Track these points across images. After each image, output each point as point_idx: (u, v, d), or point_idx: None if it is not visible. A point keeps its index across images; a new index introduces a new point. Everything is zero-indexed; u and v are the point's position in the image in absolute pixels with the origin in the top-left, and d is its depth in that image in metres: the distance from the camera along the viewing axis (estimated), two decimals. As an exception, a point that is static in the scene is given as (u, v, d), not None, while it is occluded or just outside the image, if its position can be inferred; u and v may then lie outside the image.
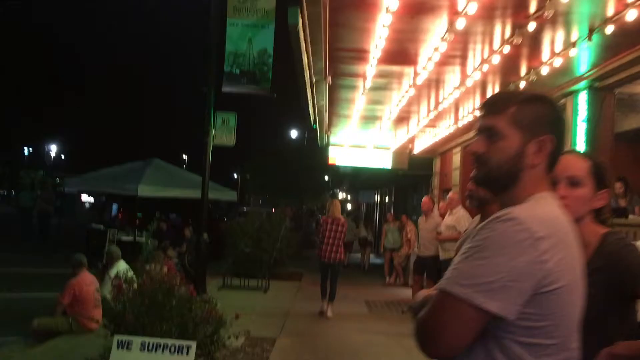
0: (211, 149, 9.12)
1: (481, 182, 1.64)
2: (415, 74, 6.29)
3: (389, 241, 14.40)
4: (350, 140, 12.86)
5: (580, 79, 5.91)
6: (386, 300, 11.19)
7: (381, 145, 13.12)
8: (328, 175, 39.11)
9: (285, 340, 7.16)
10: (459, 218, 8.96)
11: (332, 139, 12.91)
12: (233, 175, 49.60)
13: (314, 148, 33.85)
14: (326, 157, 13.40)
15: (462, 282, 1.38)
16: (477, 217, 3.06)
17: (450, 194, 9.22)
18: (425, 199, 9.81)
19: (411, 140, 12.68)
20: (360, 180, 22.03)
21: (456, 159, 11.72)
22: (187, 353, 4.68)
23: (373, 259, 22.37)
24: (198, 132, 9.32)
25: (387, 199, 24.97)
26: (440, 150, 13.23)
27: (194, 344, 4.74)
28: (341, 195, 42.48)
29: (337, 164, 13.42)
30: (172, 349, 4.67)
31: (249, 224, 13.73)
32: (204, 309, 5.45)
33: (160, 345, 4.60)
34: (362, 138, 12.71)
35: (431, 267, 9.44)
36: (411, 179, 16.73)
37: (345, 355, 6.65)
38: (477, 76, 6.07)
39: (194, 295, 5.54)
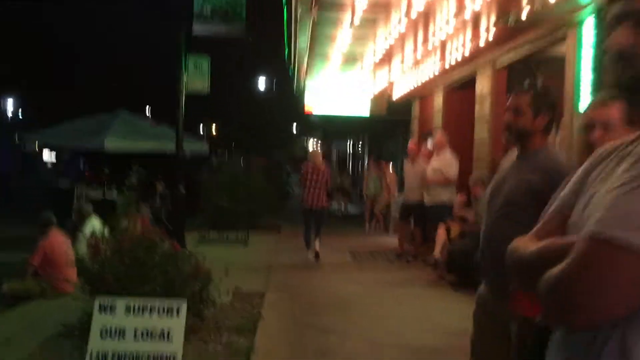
0: (184, 96, 8.53)
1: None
2: (409, 4, 5.81)
3: (370, 189, 14.09)
4: (328, 86, 12.35)
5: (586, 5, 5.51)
6: (370, 249, 10.95)
7: (360, 92, 12.65)
8: (300, 124, 38.56)
9: (273, 295, 6.84)
10: (445, 161, 8.66)
11: (309, 85, 12.37)
12: (198, 129, 48.63)
13: (285, 97, 33.15)
14: (301, 105, 12.88)
15: (628, 225, 0.98)
16: (513, 152, 2.69)
17: (437, 135, 8.87)
18: (411, 142, 9.47)
19: (390, 86, 12.23)
20: (334, 128, 21.58)
21: (438, 101, 11.34)
22: (178, 314, 4.28)
23: (351, 207, 22.20)
24: (165, 80, 8.72)
25: (360, 147, 24.65)
26: (420, 94, 12.80)
27: (184, 304, 4.33)
28: (312, 144, 42.04)
29: (314, 112, 12.93)
30: (161, 310, 4.26)
31: (225, 177, 13.26)
32: (190, 264, 5.04)
33: (147, 307, 4.18)
34: (340, 84, 12.21)
35: (418, 213, 9.18)
36: (387, 124, 16.36)
37: (336, 308, 6.36)
38: (475, 5, 5.62)
39: (179, 250, 5.12)
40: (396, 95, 12.57)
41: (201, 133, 49.96)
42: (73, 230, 8.11)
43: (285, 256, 10.08)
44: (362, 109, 12.82)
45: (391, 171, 13.69)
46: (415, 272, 8.47)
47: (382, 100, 12.93)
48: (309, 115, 13.52)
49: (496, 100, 8.45)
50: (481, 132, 8.76)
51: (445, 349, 4.91)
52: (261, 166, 13.87)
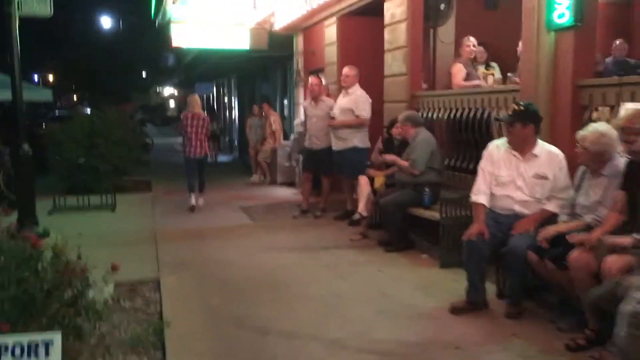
0: (17, 22, 6.31)
1: None
2: None
3: (252, 137, 12.54)
4: (200, 14, 10.42)
5: None
6: (264, 204, 9.54)
7: (238, 22, 10.87)
8: (153, 71, 35.24)
9: (170, 279, 5.24)
10: (357, 99, 7.40)
11: (176, 12, 10.35)
12: (33, 77, 42.87)
13: (136, 38, 29.77)
14: (167, 37, 10.83)
15: None
16: None
17: (346, 70, 7.54)
18: (313, 79, 8.04)
19: (272, 15, 10.60)
20: (197, 71, 19.42)
21: (331, 32, 9.96)
22: (48, 353, 2.63)
23: (219, 157, 20.63)
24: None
25: (226, 89, 22.72)
26: (303, 26, 11.34)
27: (57, 336, 2.69)
28: (168, 90, 38.98)
29: (182, 45, 10.90)
30: (22, 350, 2.59)
31: (78, 128, 10.95)
32: (58, 264, 3.32)
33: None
34: (215, 11, 10.34)
35: (325, 162, 7.91)
36: (260, 63, 14.70)
37: (261, 289, 4.94)
38: None
39: (38, 245, 3.35)
40: (278, 25, 10.98)
41: (36, 83, 44.36)
42: None
43: (168, 220, 8.38)
44: (241, 42, 11.06)
45: (276, 114, 12.21)
46: (332, 231, 7.25)
47: (263, 32, 11.27)
48: (177, 49, 11.42)
49: (414, 26, 7.27)
50: (395, 66, 7.58)
51: (432, 344, 3.74)
52: (117, 115, 11.61)
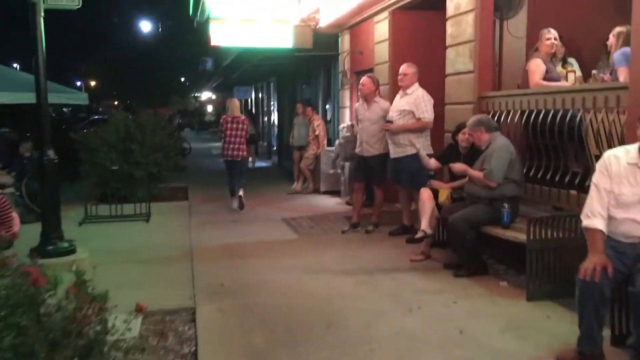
0: (43, 13, 5.68)
1: None
2: None
3: (296, 138, 11.78)
4: (240, 11, 9.73)
5: None
6: (308, 215, 8.77)
7: (280, 19, 10.15)
8: (193, 75, 34.92)
9: (208, 309, 4.49)
10: (417, 99, 6.56)
11: (215, 11, 9.69)
12: (75, 82, 43.15)
13: (173, 41, 29.50)
14: (206, 36, 10.17)
15: None
16: None
17: (403, 67, 6.71)
18: (365, 79, 7.24)
19: (317, 12, 9.83)
20: (236, 75, 18.83)
21: (381, 29, 9.14)
22: None
23: (258, 162, 20.07)
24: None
25: (265, 93, 22.10)
26: (350, 23, 10.56)
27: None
28: (206, 95, 38.72)
29: (222, 44, 10.21)
30: None
31: (112, 132, 10.39)
32: (67, 310, 2.59)
33: None
34: (255, 9, 9.65)
35: (379, 171, 7.09)
36: (302, 64, 13.96)
37: (318, 327, 4.13)
38: None
39: (39, 284, 2.62)
40: (324, 22, 10.21)
41: (79, 87, 44.72)
42: None
43: (205, 232, 7.69)
44: (283, 40, 10.32)
45: (320, 118, 11.44)
46: (388, 250, 6.41)
47: (307, 30, 10.52)
48: (216, 51, 10.76)
49: (483, 17, 6.40)
50: (459, 63, 6.72)
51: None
52: (153, 119, 11.02)
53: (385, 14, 8.95)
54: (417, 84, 6.56)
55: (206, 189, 11.91)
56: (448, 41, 6.96)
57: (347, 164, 10.49)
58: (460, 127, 5.86)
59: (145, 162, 10.30)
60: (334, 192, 10.87)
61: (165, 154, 10.84)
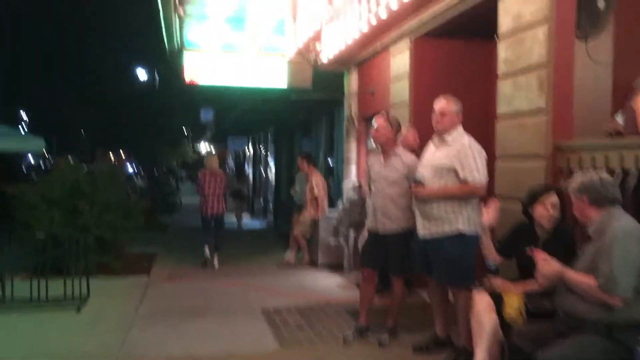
0: None
1: None
2: None
3: (299, 195, 9.60)
4: (221, 39, 7.72)
5: None
6: (298, 305, 6.47)
7: (270, 49, 8.12)
8: (190, 125, 33.06)
9: None
10: (462, 152, 4.36)
11: (190, 36, 7.69)
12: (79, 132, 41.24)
13: (167, 90, 27.76)
14: (180, 71, 8.11)
15: None
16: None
17: (441, 104, 4.50)
18: (380, 120, 4.97)
19: (317, 37, 7.78)
20: (228, 123, 16.89)
21: (399, 62, 7.10)
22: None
23: (249, 220, 17.89)
24: None
25: (262, 145, 20.05)
26: (358, 59, 8.56)
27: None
28: (204, 146, 36.91)
29: (198, 81, 8.11)
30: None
31: (57, 187, 8.22)
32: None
33: None
34: (239, 36, 7.63)
35: (399, 255, 4.84)
36: (299, 107, 11.86)
37: None
38: None
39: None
40: (326, 54, 8.17)
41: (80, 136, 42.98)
42: None
43: (153, 332, 5.42)
44: (276, 78, 8.26)
45: (319, 175, 9.28)
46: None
47: (306, 66, 8.47)
48: (193, 86, 8.66)
49: (561, 33, 4.31)
50: (520, 99, 4.60)
51: None
52: (111, 170, 8.92)
53: (405, 43, 6.93)
54: (460, 129, 4.38)
55: (179, 257, 9.72)
56: (501, 69, 4.85)
57: (352, 234, 8.30)
58: (536, 195, 3.67)
59: (96, 225, 8.10)
60: (335, 266, 8.63)
61: (125, 214, 8.62)
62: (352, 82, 8.96)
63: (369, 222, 5.11)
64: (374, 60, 8.16)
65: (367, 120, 8.64)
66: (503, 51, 4.83)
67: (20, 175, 9.93)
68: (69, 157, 9.16)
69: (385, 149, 4.93)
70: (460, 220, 4.25)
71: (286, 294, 7.03)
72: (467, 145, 4.26)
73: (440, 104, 4.40)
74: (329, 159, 11.31)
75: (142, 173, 30.42)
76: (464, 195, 4.24)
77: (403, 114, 6.75)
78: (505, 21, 4.81)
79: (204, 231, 9.20)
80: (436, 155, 4.39)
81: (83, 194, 8.22)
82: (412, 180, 4.56)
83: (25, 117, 49.95)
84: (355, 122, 8.43)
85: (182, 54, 8.08)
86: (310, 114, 12.17)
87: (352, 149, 8.91)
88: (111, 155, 46.10)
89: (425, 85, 6.62)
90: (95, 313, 6.18)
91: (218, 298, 6.86)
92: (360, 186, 7.73)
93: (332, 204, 9.49)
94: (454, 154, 4.27)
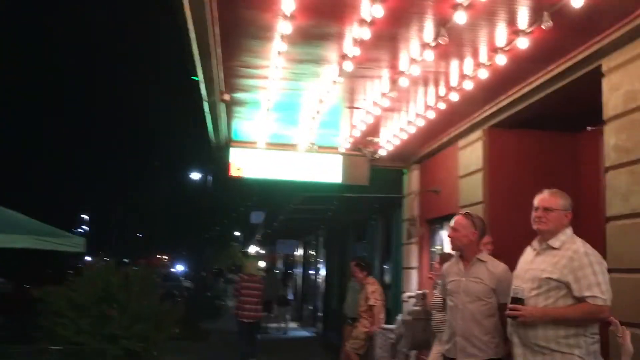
0: None
1: None
2: None
3: (349, 305, 8.56)
4: (268, 132, 7.11)
5: None
6: None
7: (325, 144, 7.44)
8: (237, 224, 32.86)
9: None
10: (575, 260, 3.35)
11: (237, 129, 7.12)
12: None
13: (219, 190, 27.79)
14: (225, 165, 7.49)
15: None
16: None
17: (544, 198, 3.43)
18: (460, 219, 3.99)
19: (375, 130, 7.05)
20: (279, 223, 16.22)
21: (470, 155, 6.24)
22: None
23: (296, 328, 16.70)
24: None
25: (313, 249, 19.16)
26: (419, 154, 7.79)
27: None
28: (253, 248, 36.34)
29: (244, 174, 7.41)
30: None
31: (85, 290, 7.45)
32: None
33: None
34: (287, 130, 7.02)
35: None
36: (353, 208, 11.03)
37: None
38: None
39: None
40: (386, 147, 7.39)
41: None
42: None
43: None
44: (329, 172, 7.51)
45: (376, 282, 8.24)
46: None
47: (362, 162, 7.71)
48: (238, 179, 7.94)
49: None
50: (638, 196, 3.61)
51: None
52: (146, 272, 8.16)
53: (477, 134, 6.11)
54: (570, 231, 3.37)
55: None
56: (610, 159, 3.90)
57: (413, 354, 7.13)
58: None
59: (126, 335, 7.21)
60: (395, 392, 7.39)
61: (157, 324, 7.71)
62: (412, 180, 8.13)
63: (443, 347, 4.02)
64: (439, 156, 7.35)
65: (429, 223, 7.70)
66: (612, 136, 3.91)
67: (56, 277, 9.26)
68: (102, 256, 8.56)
69: (467, 255, 3.94)
70: (577, 353, 3.15)
71: None
72: (583, 253, 3.23)
73: (544, 197, 3.43)
74: (384, 265, 10.27)
75: (191, 273, 29.86)
76: (583, 318, 3.17)
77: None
78: (613, 100, 3.93)
79: (239, 338, 9.19)
80: (538, 265, 3.37)
81: (114, 299, 7.42)
82: (503, 297, 3.53)
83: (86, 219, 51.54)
84: (417, 225, 7.49)
85: (229, 148, 7.48)
86: (364, 215, 11.30)
87: (412, 254, 7.90)
88: (159, 257, 46.14)
89: (503, 181, 5.70)
90: None
91: None
92: (424, 295, 6.66)
93: (389, 316, 8.36)
94: (565, 263, 3.24)
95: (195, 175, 30.89)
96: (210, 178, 28.92)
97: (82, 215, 53.83)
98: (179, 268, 41.70)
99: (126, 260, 23.29)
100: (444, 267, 4.17)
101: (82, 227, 58.50)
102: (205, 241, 22.73)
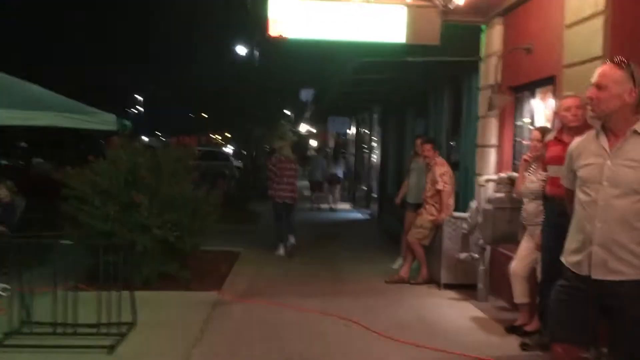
0: None
1: None
2: None
3: (412, 190, 7.48)
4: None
5: None
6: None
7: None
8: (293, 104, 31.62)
9: None
10: None
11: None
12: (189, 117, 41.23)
13: (266, 65, 26.32)
14: (264, 23, 6.07)
15: None
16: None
17: None
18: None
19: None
20: (330, 97, 14.88)
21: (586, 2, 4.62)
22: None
23: (352, 211, 15.95)
24: None
25: (367, 126, 17.82)
26: (504, 5, 6.16)
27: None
28: (303, 127, 35.36)
29: (286, 34, 5.97)
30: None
31: (109, 174, 6.50)
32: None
33: None
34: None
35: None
36: (415, 77, 9.54)
37: None
38: None
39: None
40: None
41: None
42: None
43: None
44: (390, 30, 6.02)
45: (445, 164, 6.99)
46: None
47: (432, 14, 6.15)
48: (279, 40, 6.48)
49: None
50: None
51: None
52: (180, 154, 7.10)
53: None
54: None
55: (264, 258, 8.23)
56: None
57: (489, 249, 6.03)
58: None
59: (157, 224, 6.33)
60: (464, 287, 6.41)
61: (194, 211, 6.79)
62: (494, 38, 6.54)
63: (568, 259, 2.77)
64: (530, 4, 5.72)
65: (515, 90, 6.23)
66: None
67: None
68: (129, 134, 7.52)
69: (616, 125, 2.59)
70: None
71: (402, 342, 4.83)
72: None
73: None
74: (450, 143, 8.93)
75: (241, 153, 29.35)
76: None
77: (585, 74, 4.27)
78: None
79: (276, 219, 9.12)
80: None
81: (143, 183, 6.48)
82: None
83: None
84: (503, 92, 6.03)
85: (267, 3, 6.03)
86: (429, 86, 9.81)
87: (491, 130, 6.51)
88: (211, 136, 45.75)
89: (635, 28, 4.14)
90: (134, 354, 4.36)
91: (301, 343, 4.81)
92: (510, 180, 5.41)
93: (458, 203, 7.18)
94: None
95: (241, 50, 29.30)
96: (257, 53, 27.35)
97: (135, 95, 53.70)
98: (230, 148, 41.39)
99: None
100: (572, 145, 2.83)
101: (137, 107, 58.73)
102: (256, 119, 21.65)
